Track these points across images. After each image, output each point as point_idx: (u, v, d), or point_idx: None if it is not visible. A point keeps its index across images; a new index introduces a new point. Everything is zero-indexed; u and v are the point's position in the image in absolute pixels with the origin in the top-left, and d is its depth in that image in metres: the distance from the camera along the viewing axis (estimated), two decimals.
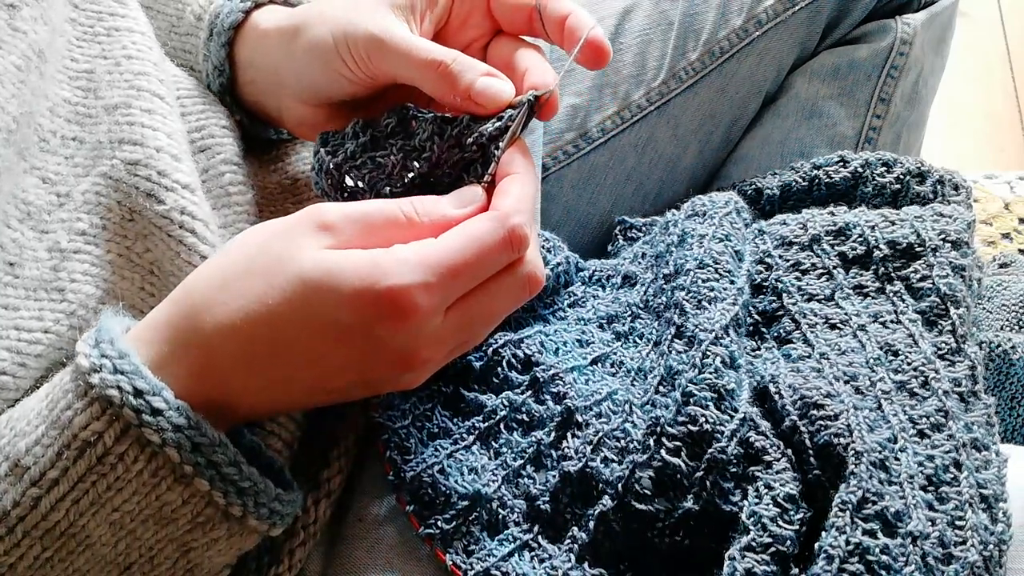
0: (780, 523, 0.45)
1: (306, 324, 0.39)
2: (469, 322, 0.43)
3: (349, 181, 0.48)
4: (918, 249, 0.56)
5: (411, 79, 0.48)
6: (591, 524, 0.48)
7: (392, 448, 0.50)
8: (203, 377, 0.40)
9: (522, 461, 0.50)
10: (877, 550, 0.43)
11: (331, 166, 0.49)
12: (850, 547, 0.43)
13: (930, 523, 0.44)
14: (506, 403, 0.52)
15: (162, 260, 0.49)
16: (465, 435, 0.51)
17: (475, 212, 0.43)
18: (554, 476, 0.50)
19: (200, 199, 0.50)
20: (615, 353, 0.56)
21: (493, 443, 0.51)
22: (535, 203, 0.45)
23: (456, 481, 0.49)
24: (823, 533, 0.44)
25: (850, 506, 0.44)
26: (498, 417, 0.52)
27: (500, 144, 0.45)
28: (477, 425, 0.51)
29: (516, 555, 0.48)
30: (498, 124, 0.45)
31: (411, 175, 0.47)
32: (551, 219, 0.73)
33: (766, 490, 0.46)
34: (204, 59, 0.56)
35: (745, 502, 0.46)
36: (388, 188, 0.47)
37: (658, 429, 0.47)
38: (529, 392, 0.52)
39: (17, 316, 0.46)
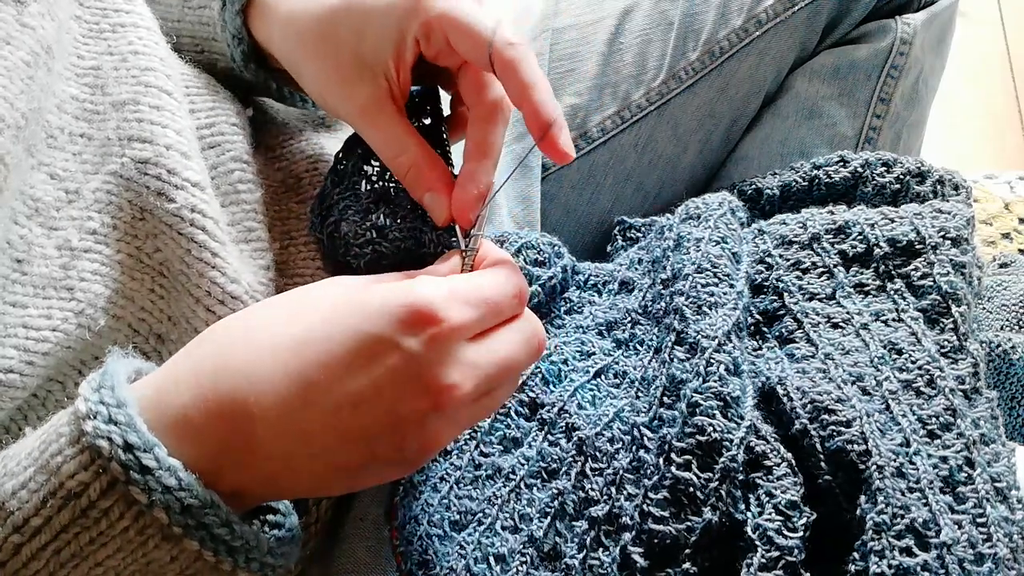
0: (785, 533, 0.45)
1: (337, 337, 0.38)
2: (491, 362, 0.41)
3: (333, 216, 0.52)
4: (918, 247, 0.55)
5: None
6: (616, 568, 0.47)
7: (415, 564, 0.48)
8: (222, 415, 0.38)
9: (548, 520, 0.49)
10: (919, 568, 0.43)
11: (332, 203, 0.53)
12: (892, 570, 0.43)
13: (957, 527, 0.45)
14: (523, 460, 0.51)
15: (172, 260, 0.49)
16: (488, 509, 0.50)
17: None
18: (580, 525, 0.49)
19: (210, 197, 0.50)
20: (617, 363, 0.55)
21: (516, 507, 0.50)
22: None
23: None
24: (856, 555, 0.44)
25: (884, 527, 0.44)
26: (518, 478, 0.50)
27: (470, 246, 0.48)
28: (498, 493, 0.50)
29: None
30: (444, 246, 0.50)
31: (375, 224, 0.51)
32: (551, 219, 0.73)
33: (767, 498, 0.46)
34: (222, 29, 0.55)
35: (749, 513, 0.46)
36: (353, 221, 0.51)
37: (666, 447, 0.47)
38: (540, 437, 0.51)
39: (25, 314, 0.45)
